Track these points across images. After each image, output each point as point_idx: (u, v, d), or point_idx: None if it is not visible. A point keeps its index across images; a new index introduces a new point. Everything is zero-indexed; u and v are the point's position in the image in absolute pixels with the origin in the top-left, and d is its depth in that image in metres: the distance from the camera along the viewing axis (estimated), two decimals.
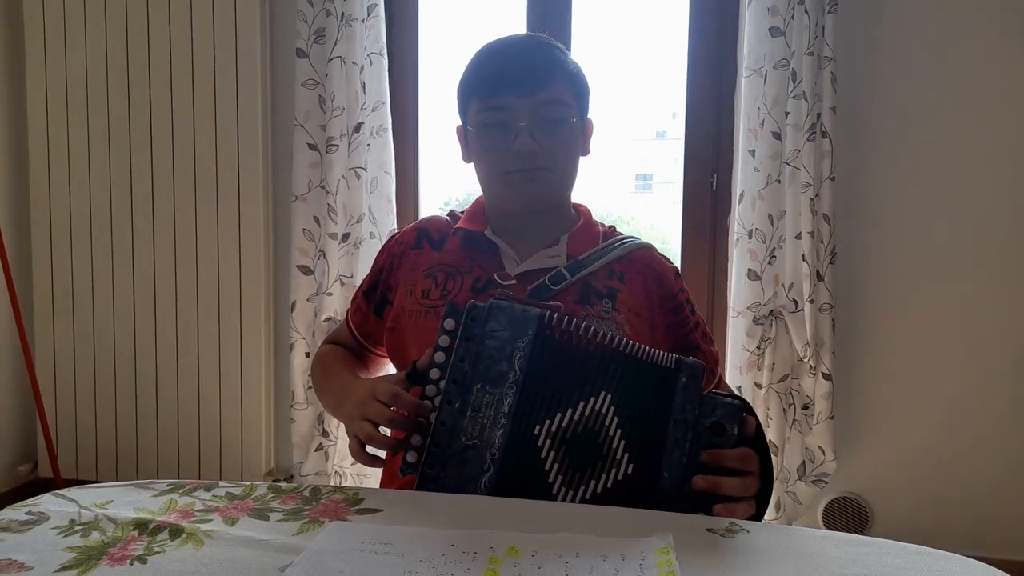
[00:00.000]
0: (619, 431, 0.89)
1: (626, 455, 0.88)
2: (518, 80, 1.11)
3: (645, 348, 0.92)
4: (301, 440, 2.25)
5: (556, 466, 0.88)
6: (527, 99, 1.11)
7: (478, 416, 0.88)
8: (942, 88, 2.09)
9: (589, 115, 1.22)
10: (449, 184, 2.47)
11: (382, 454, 1.01)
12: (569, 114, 1.15)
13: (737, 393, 1.29)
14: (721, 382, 1.26)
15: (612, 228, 1.28)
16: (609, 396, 0.89)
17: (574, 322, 0.92)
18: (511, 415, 0.87)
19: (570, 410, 0.89)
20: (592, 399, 0.89)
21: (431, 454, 0.88)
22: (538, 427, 0.88)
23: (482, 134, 1.15)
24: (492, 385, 0.88)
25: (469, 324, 0.91)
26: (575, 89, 1.17)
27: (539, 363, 0.89)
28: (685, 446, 0.88)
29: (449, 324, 0.92)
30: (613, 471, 0.88)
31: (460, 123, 1.22)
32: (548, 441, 0.88)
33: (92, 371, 2.46)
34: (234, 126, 2.29)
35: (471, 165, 1.23)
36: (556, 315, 0.92)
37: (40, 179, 2.43)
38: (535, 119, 1.11)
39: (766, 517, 2.14)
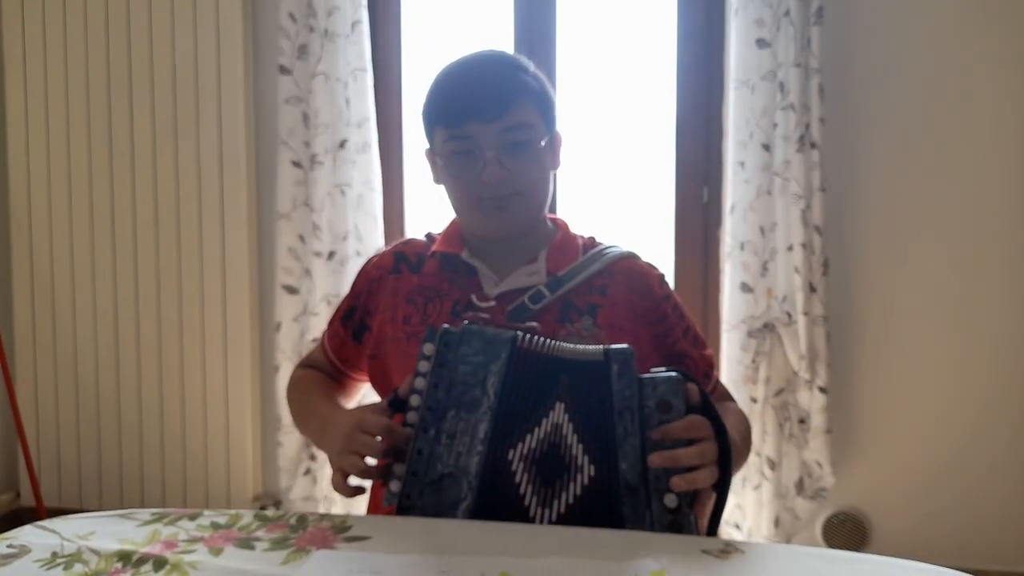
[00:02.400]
0: (575, 436, 0.88)
1: (586, 458, 0.88)
2: (482, 107, 1.10)
3: (575, 348, 0.92)
4: (289, 464, 2.22)
5: (529, 487, 0.87)
6: (492, 126, 1.09)
7: (453, 443, 0.87)
8: (929, 97, 2.09)
9: (557, 128, 1.20)
10: (435, 200, 2.44)
11: (366, 485, 1.00)
12: (536, 136, 1.13)
13: (730, 394, 1.28)
14: (718, 386, 1.23)
15: (592, 239, 1.25)
16: (562, 405, 0.89)
17: (549, 342, 0.91)
18: (487, 441, 0.86)
19: (536, 429, 0.88)
20: (551, 413, 0.89)
21: (408, 483, 0.87)
22: (511, 451, 0.87)
23: (450, 163, 1.14)
24: (466, 411, 0.88)
25: (442, 350, 0.90)
26: (540, 107, 1.15)
27: (513, 387, 0.88)
28: (636, 432, 0.87)
29: (428, 349, 0.91)
30: (579, 477, 0.87)
31: (428, 146, 1.21)
32: (520, 464, 0.87)
33: (74, 397, 2.43)
34: (217, 144, 2.27)
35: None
36: (530, 337, 0.91)
37: (20, 204, 2.41)
38: (502, 146, 1.10)
39: (765, 534, 2.11)
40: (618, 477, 0.86)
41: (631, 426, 0.87)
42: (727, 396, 1.26)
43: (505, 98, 1.10)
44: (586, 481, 0.87)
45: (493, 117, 1.09)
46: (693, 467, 0.85)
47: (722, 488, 0.89)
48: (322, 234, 2.16)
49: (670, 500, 0.84)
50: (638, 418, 0.87)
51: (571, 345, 0.92)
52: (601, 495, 0.86)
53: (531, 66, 1.18)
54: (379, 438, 0.94)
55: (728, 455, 0.89)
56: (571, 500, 0.86)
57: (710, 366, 1.20)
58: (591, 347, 0.92)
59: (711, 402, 0.91)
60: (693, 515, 0.87)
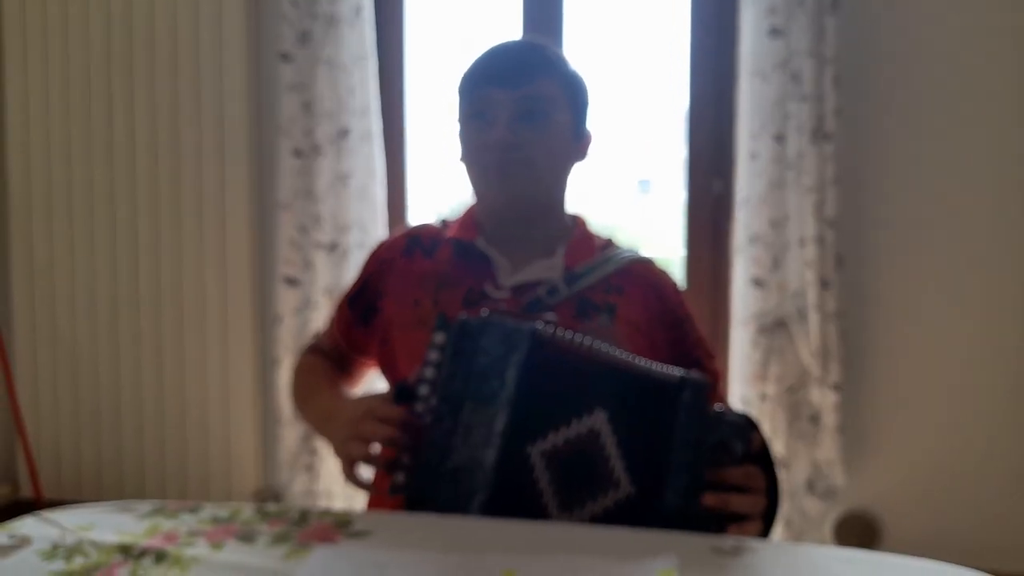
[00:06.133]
0: (617, 451, 0.87)
1: (626, 476, 0.87)
2: (504, 74, 1.12)
3: (645, 362, 0.90)
4: (289, 458, 2.21)
5: (551, 488, 0.86)
6: (511, 92, 1.10)
7: (469, 435, 0.85)
8: (948, 88, 2.07)
9: (588, 127, 1.21)
10: (438, 190, 2.44)
11: (370, 474, 0.99)
12: (553, 110, 1.13)
13: (741, 408, 1.25)
14: (721, 400, 1.24)
15: (609, 240, 1.25)
16: (605, 413, 0.88)
17: (569, 336, 0.89)
18: (503, 434, 0.84)
19: (563, 428, 0.86)
20: (585, 416, 0.87)
21: (421, 474, 0.86)
22: (530, 446, 0.86)
23: (465, 127, 1.15)
24: (484, 403, 0.86)
25: (460, 340, 0.88)
26: (569, 91, 1.16)
27: (533, 380, 0.86)
28: (690, 467, 0.86)
29: (439, 339, 0.90)
30: (612, 492, 0.87)
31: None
32: (541, 461, 0.86)
33: (74, 388, 2.42)
34: (217, 132, 2.26)
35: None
36: (550, 330, 0.89)
37: (20, 191, 2.40)
38: (515, 111, 1.10)
39: (775, 534, 2.09)
40: (661, 505, 0.86)
41: (686, 458, 0.86)
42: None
43: (529, 70, 1.12)
44: (620, 497, 0.86)
45: (514, 84, 1.10)
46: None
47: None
48: (324, 225, 2.15)
49: None
50: (694, 452, 0.86)
51: (628, 354, 0.91)
52: (635, 516, 0.85)
53: (570, 64, 1.19)
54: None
55: (774, 513, 0.89)
56: (598, 511, 0.86)
57: (716, 379, 1.20)
58: (663, 366, 0.91)
59: (771, 454, 0.91)
60: None
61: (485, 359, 0.87)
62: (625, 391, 0.89)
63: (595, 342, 0.90)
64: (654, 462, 0.87)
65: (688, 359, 1.15)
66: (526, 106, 1.11)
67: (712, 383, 1.17)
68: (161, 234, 2.33)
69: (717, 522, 0.85)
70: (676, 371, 0.91)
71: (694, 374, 0.91)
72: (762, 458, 0.90)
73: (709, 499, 0.85)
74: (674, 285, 1.22)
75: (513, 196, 1.13)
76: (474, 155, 1.14)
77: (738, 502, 0.86)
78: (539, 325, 0.89)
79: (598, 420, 0.87)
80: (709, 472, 0.86)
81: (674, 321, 1.17)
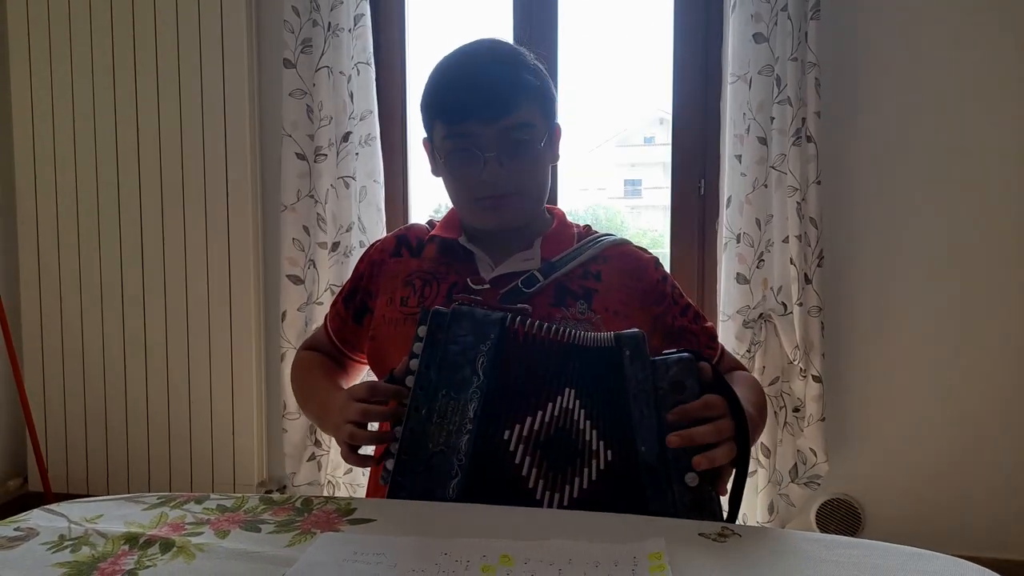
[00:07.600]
0: (588, 422, 0.88)
1: (601, 443, 0.87)
2: (483, 106, 1.08)
3: (585, 335, 0.92)
4: (293, 450, 2.24)
5: (535, 471, 0.87)
6: (493, 126, 1.08)
7: (444, 422, 0.88)
8: (925, 91, 2.10)
9: (557, 121, 1.19)
10: (438, 192, 2.47)
11: (370, 451, 1.01)
12: (536, 135, 1.12)
13: (740, 362, 1.29)
14: (724, 355, 1.24)
15: (587, 228, 1.27)
16: (573, 391, 0.89)
17: (538, 324, 0.92)
18: (476, 420, 0.87)
19: (540, 412, 0.88)
20: (559, 397, 0.89)
21: (400, 462, 0.88)
22: (507, 432, 0.87)
23: (449, 161, 1.13)
24: (456, 391, 0.88)
25: (434, 330, 0.91)
26: (540, 105, 1.13)
27: (504, 367, 0.89)
28: (652, 415, 0.87)
29: (422, 331, 0.92)
30: (594, 463, 0.87)
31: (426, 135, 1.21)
32: (521, 446, 0.87)
33: (82, 384, 2.45)
34: (222, 136, 2.29)
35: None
36: (520, 318, 0.92)
37: (26, 191, 2.42)
38: (502, 146, 1.09)
39: (760, 520, 2.13)
40: (637, 460, 0.86)
41: (647, 409, 0.86)
42: (736, 364, 1.26)
43: (506, 99, 1.08)
44: (602, 466, 0.87)
45: (494, 117, 1.07)
46: (711, 445, 0.85)
47: (741, 464, 0.89)
48: (326, 225, 2.18)
49: (691, 479, 0.85)
50: (653, 400, 0.87)
51: (580, 331, 0.92)
52: (620, 479, 0.87)
53: (531, 57, 1.15)
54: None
55: (745, 431, 0.88)
56: (585, 485, 0.87)
57: (712, 337, 1.20)
58: (602, 334, 0.92)
59: (724, 379, 0.91)
60: (716, 493, 0.87)
61: (456, 348, 0.89)
62: (583, 366, 0.90)
63: (566, 328, 0.92)
64: (620, 424, 0.87)
65: (673, 328, 1.17)
66: (510, 139, 1.09)
67: (706, 340, 1.18)
68: (168, 234, 2.35)
69: (691, 458, 0.84)
70: (611, 334, 0.91)
71: (629, 331, 0.90)
72: (717, 385, 0.90)
73: (672, 439, 0.84)
74: (653, 260, 1.22)
75: (507, 223, 1.15)
76: (464, 187, 1.14)
77: (701, 432, 0.85)
78: (508, 314, 0.92)
79: (569, 399, 0.88)
80: (671, 414, 0.86)
81: (656, 296, 1.18)
